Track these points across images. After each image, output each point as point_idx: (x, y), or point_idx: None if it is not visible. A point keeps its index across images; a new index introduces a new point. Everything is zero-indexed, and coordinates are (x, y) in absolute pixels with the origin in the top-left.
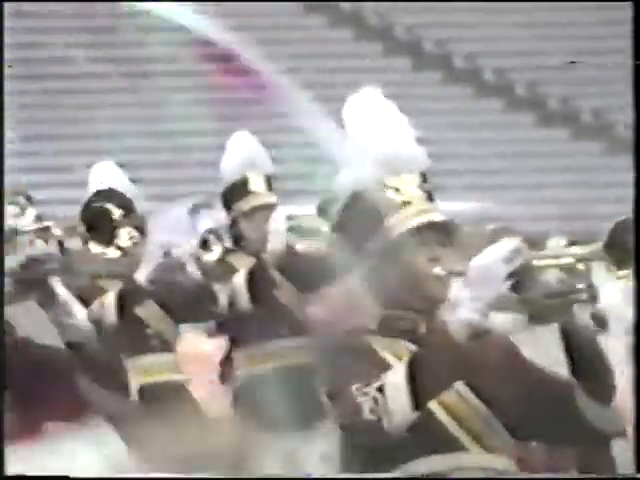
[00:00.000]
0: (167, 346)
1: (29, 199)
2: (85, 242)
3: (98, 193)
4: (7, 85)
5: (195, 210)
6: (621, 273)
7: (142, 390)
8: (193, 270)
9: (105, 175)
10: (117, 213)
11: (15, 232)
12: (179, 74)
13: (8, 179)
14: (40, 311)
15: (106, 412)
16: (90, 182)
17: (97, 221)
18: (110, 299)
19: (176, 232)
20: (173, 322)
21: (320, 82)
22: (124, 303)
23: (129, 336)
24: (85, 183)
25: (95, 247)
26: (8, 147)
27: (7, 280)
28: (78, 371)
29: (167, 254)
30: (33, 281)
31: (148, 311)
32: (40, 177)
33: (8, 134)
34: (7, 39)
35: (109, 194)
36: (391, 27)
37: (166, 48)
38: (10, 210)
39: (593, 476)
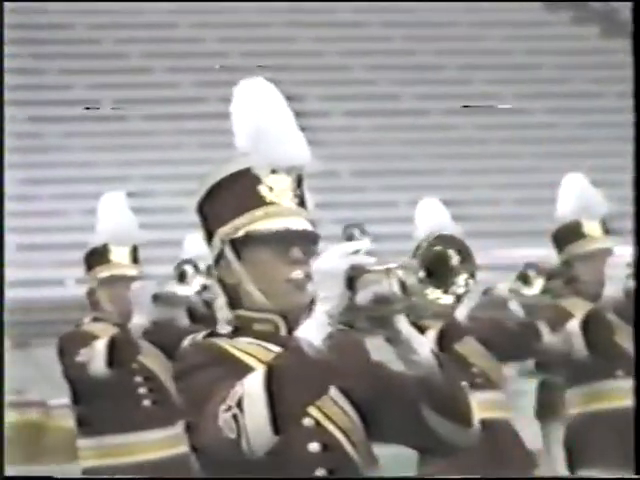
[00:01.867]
0: (492, 384)
1: (364, 232)
2: (423, 285)
3: (438, 237)
4: None
5: None
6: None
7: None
8: (515, 307)
9: (430, 212)
10: (456, 259)
11: (363, 269)
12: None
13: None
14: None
15: (450, 442)
16: (416, 216)
17: (436, 266)
18: (432, 334)
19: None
20: (497, 360)
21: None
22: (442, 340)
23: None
24: (406, 219)
25: (432, 292)
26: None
27: (358, 315)
28: (423, 401)
29: (487, 291)
30: (380, 318)
31: (469, 348)
32: (370, 213)
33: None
34: None
35: (450, 239)
36: None
37: None
38: (356, 245)
39: (593, 476)
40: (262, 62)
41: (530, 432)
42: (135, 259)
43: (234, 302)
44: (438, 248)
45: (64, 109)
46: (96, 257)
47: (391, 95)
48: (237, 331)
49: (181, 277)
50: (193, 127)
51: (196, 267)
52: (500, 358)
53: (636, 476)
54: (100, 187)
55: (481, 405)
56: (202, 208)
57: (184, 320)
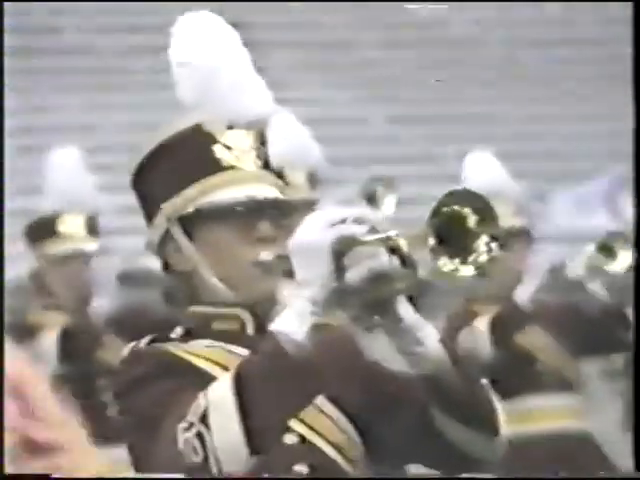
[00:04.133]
0: (564, 385)
1: (390, 187)
2: (435, 256)
3: (450, 194)
4: None
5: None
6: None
7: (526, 437)
8: (595, 288)
9: (480, 166)
10: (473, 219)
11: (353, 241)
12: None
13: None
14: (385, 337)
15: (470, 455)
16: (463, 173)
17: (448, 230)
18: (484, 323)
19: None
20: (570, 355)
21: None
22: (498, 329)
23: (510, 370)
24: (453, 177)
25: (446, 263)
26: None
27: (352, 299)
28: (433, 405)
29: (557, 268)
30: (377, 301)
31: (534, 340)
32: (407, 168)
33: None
34: None
35: (464, 195)
36: None
37: None
38: (342, 211)
39: (593, 476)
40: None
41: (618, 447)
42: (93, 230)
43: (188, 296)
44: (450, 208)
45: (13, 37)
46: (43, 228)
47: (436, 20)
48: (191, 333)
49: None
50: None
51: None
52: (575, 353)
53: (636, 476)
54: (56, 137)
55: (550, 411)
56: (138, 181)
57: (158, 304)
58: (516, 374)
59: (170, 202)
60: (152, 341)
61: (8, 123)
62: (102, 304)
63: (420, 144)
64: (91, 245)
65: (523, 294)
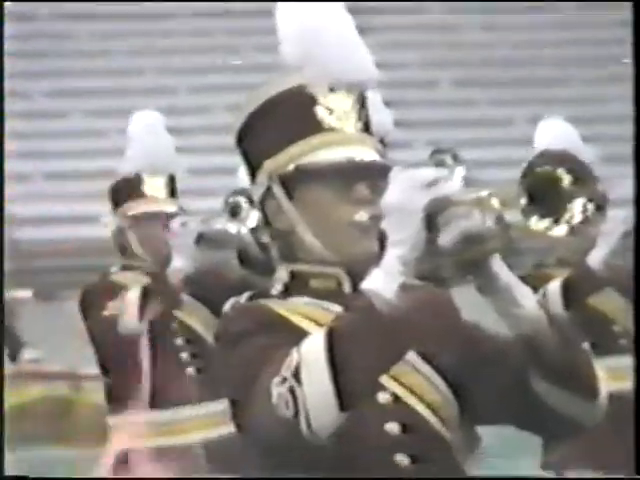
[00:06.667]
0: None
1: (456, 158)
2: (526, 215)
3: (543, 154)
4: None
5: None
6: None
7: (611, 396)
8: None
9: (554, 132)
10: (567, 180)
11: (446, 202)
12: None
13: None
14: (480, 298)
15: (570, 419)
16: (536, 139)
17: (541, 190)
18: (555, 286)
19: None
20: None
21: None
22: (571, 292)
23: (585, 333)
24: (522, 140)
25: (537, 222)
26: None
27: (445, 260)
28: (531, 367)
29: (629, 233)
30: (471, 262)
31: (609, 302)
32: (467, 132)
33: None
34: None
35: (558, 156)
36: None
37: None
38: (434, 172)
39: (594, 476)
40: None
41: None
42: (172, 192)
43: (286, 254)
44: (543, 168)
45: (90, 5)
46: (125, 190)
47: None
48: (290, 290)
49: (233, 212)
50: (253, 25)
51: (251, 199)
52: None
53: (636, 476)
54: (138, 100)
55: (627, 373)
56: (243, 138)
57: (234, 265)
58: (591, 337)
59: (272, 159)
60: (252, 297)
61: (95, 84)
62: (180, 265)
63: (487, 108)
64: (171, 207)
65: (596, 258)
